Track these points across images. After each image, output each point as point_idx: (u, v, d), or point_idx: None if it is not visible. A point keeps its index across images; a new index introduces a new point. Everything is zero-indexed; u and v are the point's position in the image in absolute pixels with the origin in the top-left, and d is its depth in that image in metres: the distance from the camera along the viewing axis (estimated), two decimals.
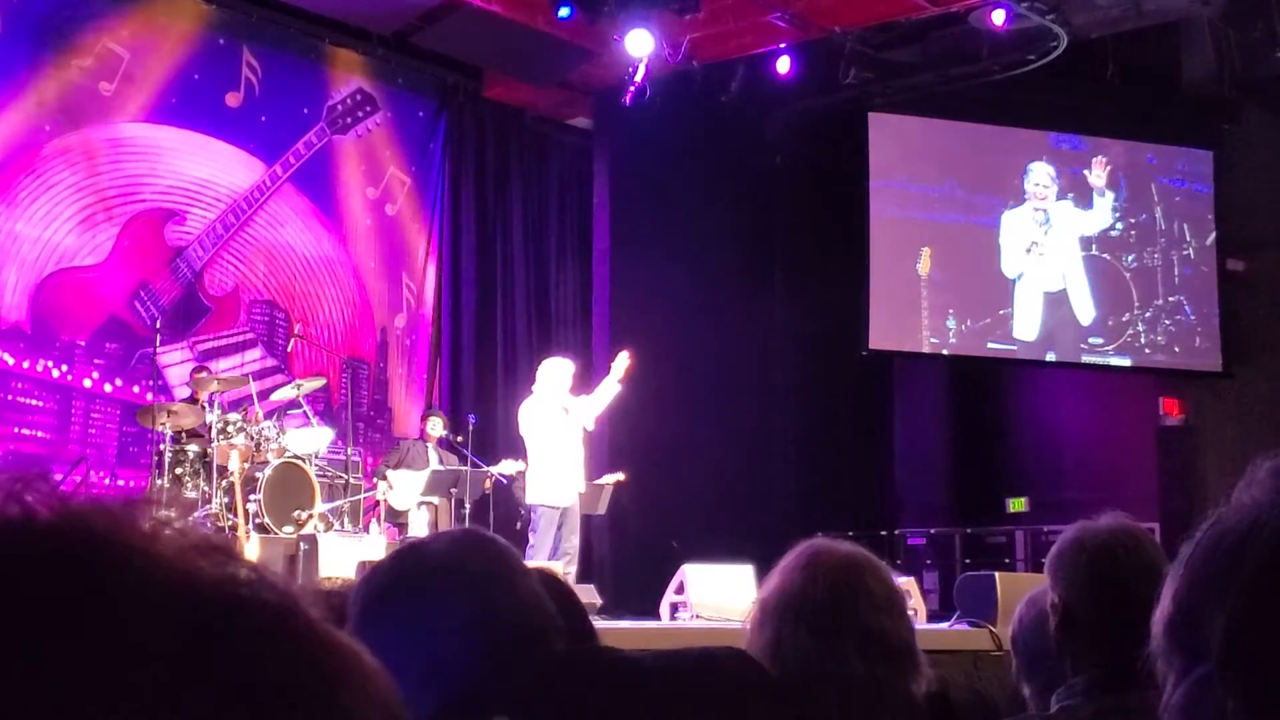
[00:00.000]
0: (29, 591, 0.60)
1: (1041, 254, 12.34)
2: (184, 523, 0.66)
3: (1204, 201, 12.51)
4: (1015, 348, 12.31)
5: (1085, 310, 12.32)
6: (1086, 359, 12.34)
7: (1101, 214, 12.44)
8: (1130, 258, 12.37)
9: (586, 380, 10.30)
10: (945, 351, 12.40)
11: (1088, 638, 2.52)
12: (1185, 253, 12.38)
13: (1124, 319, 12.32)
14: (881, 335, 12.33)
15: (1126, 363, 12.32)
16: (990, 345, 12.28)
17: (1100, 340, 12.29)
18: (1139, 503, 10.68)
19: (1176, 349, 12.33)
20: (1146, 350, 12.31)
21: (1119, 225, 12.46)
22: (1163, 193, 12.48)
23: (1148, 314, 12.32)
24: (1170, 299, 12.32)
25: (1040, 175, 12.51)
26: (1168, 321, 12.28)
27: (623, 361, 9.93)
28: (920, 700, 2.44)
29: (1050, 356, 12.37)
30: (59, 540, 0.62)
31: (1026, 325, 12.29)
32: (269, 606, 0.64)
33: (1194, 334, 12.34)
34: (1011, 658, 3.06)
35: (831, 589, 2.42)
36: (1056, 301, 12.37)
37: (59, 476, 10.30)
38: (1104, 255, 12.42)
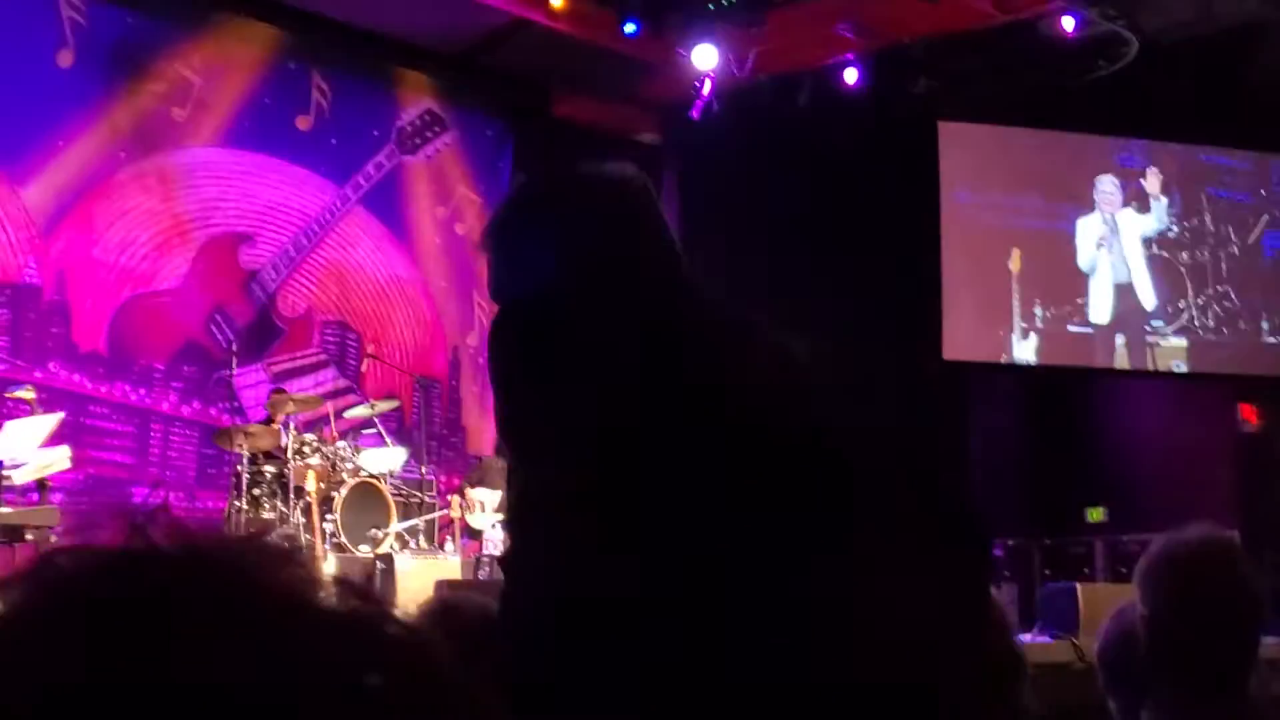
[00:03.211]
0: (158, 624, 0.61)
1: (1110, 251, 13.45)
2: (304, 556, 0.66)
3: (1246, 208, 13.68)
4: (1091, 330, 13.19)
5: (1148, 298, 13.39)
6: (1149, 340, 13.32)
7: (1158, 217, 13.57)
8: (1185, 254, 13.64)
9: None
10: (1025, 359, 12.84)
11: (1178, 651, 2.48)
12: (1231, 250, 13.68)
13: (1180, 305, 13.46)
14: (956, 344, 12.43)
15: (1183, 343, 13.37)
16: (1070, 328, 13.17)
17: (1161, 323, 13.35)
18: (1218, 510, 10.54)
19: (1225, 330, 13.50)
20: (1199, 331, 13.47)
21: (1174, 228, 13.61)
22: (1210, 200, 13.73)
23: (1199, 300, 13.52)
24: (1219, 288, 13.60)
25: (1106, 185, 13.42)
26: (1216, 307, 13.56)
27: None
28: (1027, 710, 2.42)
29: (1120, 339, 13.24)
30: (183, 576, 0.63)
31: (1100, 311, 13.27)
32: (398, 642, 0.64)
33: (1239, 316, 13.54)
34: (1096, 670, 3.02)
35: None
36: (1124, 291, 13.35)
37: (139, 499, 10.42)
38: (1163, 253, 13.54)
